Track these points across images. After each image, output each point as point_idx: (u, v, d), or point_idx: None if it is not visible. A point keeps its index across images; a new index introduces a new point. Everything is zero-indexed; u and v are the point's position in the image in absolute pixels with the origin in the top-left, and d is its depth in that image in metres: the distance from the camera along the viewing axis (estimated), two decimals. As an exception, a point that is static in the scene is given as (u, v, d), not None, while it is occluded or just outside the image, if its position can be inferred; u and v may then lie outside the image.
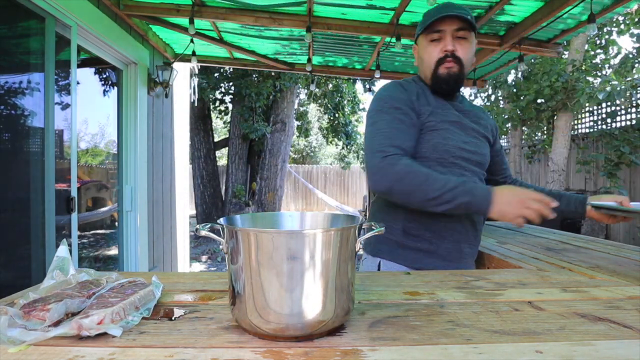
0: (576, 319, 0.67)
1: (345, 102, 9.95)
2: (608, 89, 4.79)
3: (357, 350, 0.55)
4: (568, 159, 5.70)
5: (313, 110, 14.55)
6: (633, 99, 5.04)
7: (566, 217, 1.36)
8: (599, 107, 5.85)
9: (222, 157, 14.57)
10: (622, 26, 6.25)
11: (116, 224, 3.22)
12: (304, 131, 11.52)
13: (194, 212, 8.64)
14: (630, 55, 5.80)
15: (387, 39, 3.29)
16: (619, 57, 6.19)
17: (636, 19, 6.05)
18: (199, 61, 4.20)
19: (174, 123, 4.29)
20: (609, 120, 5.60)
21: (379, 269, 1.21)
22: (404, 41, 3.16)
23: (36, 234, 2.10)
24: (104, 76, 3.08)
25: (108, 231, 3.21)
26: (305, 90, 9.81)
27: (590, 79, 5.62)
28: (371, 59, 4.01)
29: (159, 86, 3.57)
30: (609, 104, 5.41)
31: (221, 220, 0.64)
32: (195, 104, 5.48)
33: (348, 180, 15.06)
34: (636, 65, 5.70)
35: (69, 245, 2.40)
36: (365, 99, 12.01)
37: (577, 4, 2.56)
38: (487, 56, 3.59)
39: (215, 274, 0.98)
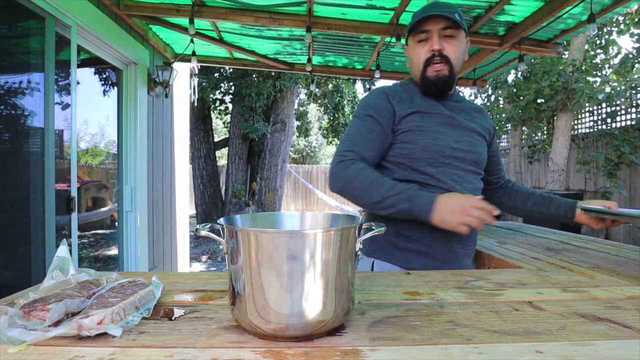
0: (576, 319, 0.67)
1: (345, 102, 9.96)
2: (608, 89, 4.79)
3: (357, 350, 0.55)
4: (568, 159, 5.70)
5: (313, 110, 14.55)
6: (633, 99, 5.04)
7: (556, 221, 1.35)
8: (599, 107, 5.85)
9: (222, 157, 14.57)
10: (622, 26, 6.25)
11: (116, 224, 3.22)
12: (304, 131, 11.52)
13: (194, 212, 8.64)
14: (630, 56, 5.80)
15: (387, 39, 3.29)
16: (619, 57, 6.19)
17: (636, 19, 6.05)
18: (199, 61, 4.20)
19: (174, 123, 4.29)
20: (609, 120, 5.60)
21: (372, 269, 1.21)
22: (404, 41, 3.16)
23: (36, 234, 2.10)
24: (104, 76, 3.08)
25: (108, 231, 3.21)
26: (305, 90, 9.81)
27: (590, 79, 5.62)
28: (371, 59, 4.01)
29: (159, 86, 3.57)
30: (608, 103, 5.41)
31: (221, 220, 0.64)
32: (195, 104, 5.48)
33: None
34: (636, 65, 5.70)
35: (69, 245, 2.40)
36: (365, 99, 11.98)
37: (577, 4, 2.56)
38: (487, 56, 3.60)
39: (215, 274, 0.98)
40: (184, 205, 4.84)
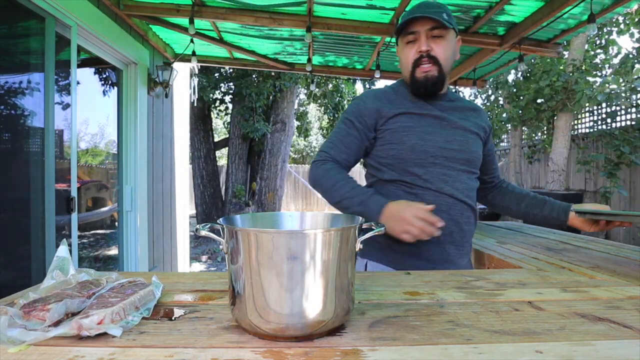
0: (576, 319, 0.67)
1: (345, 102, 9.96)
2: (607, 90, 4.79)
3: (357, 350, 0.55)
4: (568, 159, 5.70)
5: (313, 110, 14.55)
6: (633, 99, 5.04)
7: (549, 224, 1.35)
8: (599, 107, 5.85)
9: (222, 157, 14.57)
10: (622, 26, 6.25)
11: (116, 224, 3.22)
12: (304, 131, 11.52)
13: (194, 212, 8.64)
14: (630, 56, 5.80)
15: (387, 39, 3.29)
16: (619, 57, 6.19)
17: (636, 19, 6.05)
18: (199, 61, 4.20)
19: (174, 123, 4.29)
20: (609, 120, 5.60)
21: (365, 270, 1.21)
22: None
23: (36, 234, 2.10)
24: (104, 76, 3.08)
25: (108, 231, 3.21)
26: (305, 90, 9.81)
27: (590, 79, 5.62)
28: (371, 59, 4.01)
29: (159, 86, 3.57)
30: (608, 103, 5.41)
31: (221, 220, 0.64)
32: (195, 104, 5.48)
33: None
34: (636, 65, 5.70)
35: (69, 245, 2.40)
36: (365, 99, 11.98)
37: (577, 4, 2.56)
38: (487, 56, 3.59)
39: (215, 274, 0.98)
40: (184, 205, 4.84)
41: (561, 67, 5.56)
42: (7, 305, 0.63)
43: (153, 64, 3.57)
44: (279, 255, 0.56)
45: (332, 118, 10.35)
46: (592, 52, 6.35)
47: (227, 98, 8.62)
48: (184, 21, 3.09)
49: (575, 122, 6.41)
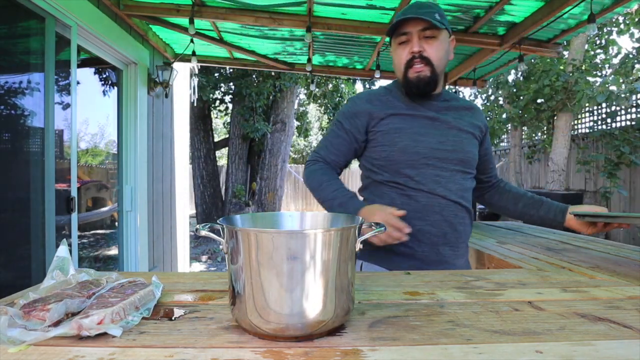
0: (576, 319, 0.67)
1: (345, 102, 9.96)
2: (607, 92, 4.79)
3: (357, 350, 0.55)
4: (568, 159, 5.70)
5: (313, 110, 14.55)
6: (633, 98, 5.04)
7: (545, 225, 1.34)
8: (599, 107, 5.85)
9: (222, 157, 14.57)
10: (622, 26, 6.25)
11: (116, 224, 3.22)
12: (304, 131, 11.52)
13: (194, 212, 8.64)
14: (631, 56, 5.80)
15: (387, 39, 3.28)
16: (619, 57, 6.19)
17: (636, 19, 6.05)
18: (199, 61, 4.20)
19: (174, 123, 4.29)
20: (609, 120, 5.60)
21: (361, 271, 1.21)
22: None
23: (36, 234, 2.10)
24: (104, 76, 3.08)
25: (108, 231, 3.21)
26: (305, 90, 9.81)
27: (591, 79, 5.62)
28: (371, 59, 4.01)
29: (159, 86, 3.57)
30: (608, 104, 5.41)
31: (221, 220, 0.64)
32: (195, 104, 5.48)
33: (348, 180, 15.06)
34: (636, 65, 5.70)
35: (69, 245, 2.40)
36: (365, 99, 12.00)
37: (577, 4, 2.56)
38: (487, 56, 3.59)
39: (215, 274, 0.98)
40: (184, 205, 4.84)
41: (561, 67, 5.56)
42: (7, 305, 0.63)
43: (153, 64, 3.57)
44: (279, 255, 0.56)
45: (332, 118, 10.36)
46: (592, 52, 6.35)
47: (227, 98, 8.62)
48: (184, 21, 3.09)
49: (575, 122, 6.41)
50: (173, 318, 0.67)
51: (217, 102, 8.64)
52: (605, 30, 6.26)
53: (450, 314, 0.69)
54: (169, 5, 2.90)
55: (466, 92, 9.03)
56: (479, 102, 8.80)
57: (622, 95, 4.81)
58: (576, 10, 2.73)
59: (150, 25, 3.37)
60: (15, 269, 2.05)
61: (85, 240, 2.78)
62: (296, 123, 10.01)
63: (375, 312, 0.70)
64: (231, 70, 7.65)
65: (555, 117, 5.78)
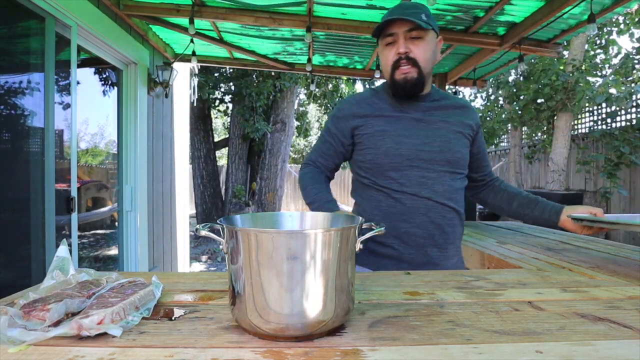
0: (576, 319, 0.67)
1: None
2: (606, 94, 4.80)
3: (357, 350, 0.55)
4: (568, 159, 5.70)
5: (313, 110, 14.55)
6: (633, 98, 5.04)
7: (540, 224, 1.33)
8: (599, 107, 5.86)
9: (222, 157, 14.57)
10: (622, 26, 6.25)
11: (116, 224, 3.22)
12: (304, 131, 11.51)
13: (194, 212, 8.64)
14: (631, 56, 5.80)
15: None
16: (619, 57, 6.19)
17: (636, 19, 6.05)
18: (199, 61, 4.20)
19: (174, 123, 4.29)
20: (609, 120, 5.60)
21: None
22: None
23: (36, 234, 2.10)
24: (104, 76, 3.08)
25: (108, 231, 3.21)
26: (305, 90, 9.81)
27: (591, 79, 5.62)
28: (371, 59, 4.01)
29: (159, 86, 3.57)
30: (608, 104, 5.41)
31: (221, 220, 0.64)
32: (195, 104, 5.48)
33: (348, 180, 15.06)
34: (637, 65, 5.70)
35: (69, 245, 2.40)
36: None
37: (577, 4, 2.56)
38: (487, 56, 3.59)
39: (215, 274, 0.98)
40: (184, 205, 4.83)
41: (561, 67, 5.56)
42: (7, 305, 0.63)
43: (153, 64, 3.57)
44: (279, 255, 0.56)
45: (332, 118, 10.34)
46: (592, 52, 6.35)
47: (227, 98, 8.62)
48: (184, 21, 3.09)
49: (575, 122, 6.41)
50: (173, 318, 0.67)
51: (217, 102, 8.64)
52: (605, 30, 6.26)
53: (450, 314, 0.69)
54: (169, 5, 2.90)
55: (466, 92, 9.04)
56: (479, 102, 8.80)
57: (622, 98, 4.81)
58: (576, 10, 2.73)
59: (150, 25, 3.37)
60: (15, 269, 2.05)
61: (85, 240, 2.78)
62: (296, 123, 10.01)
63: (375, 312, 0.70)
64: (231, 70, 7.65)
65: (555, 117, 5.78)
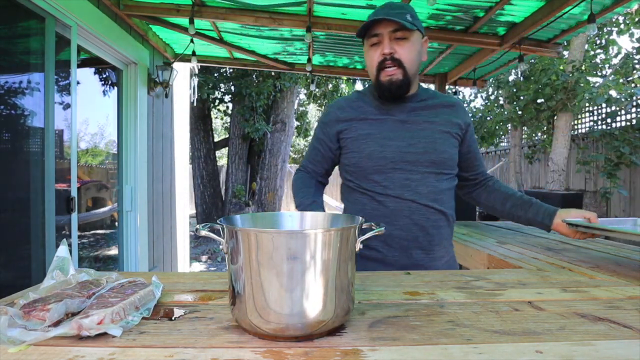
0: (576, 319, 0.67)
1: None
2: (606, 96, 4.80)
3: (357, 350, 0.55)
4: (568, 159, 5.70)
5: (313, 110, 14.56)
6: (634, 98, 5.04)
7: (532, 227, 1.30)
8: (599, 107, 5.85)
9: (222, 157, 14.57)
10: (622, 26, 6.25)
11: (116, 224, 3.22)
12: (304, 131, 11.51)
13: (194, 212, 8.64)
14: (631, 56, 5.80)
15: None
16: (619, 57, 6.19)
17: (636, 19, 6.05)
18: (199, 61, 4.20)
19: (174, 123, 4.29)
20: (609, 120, 5.60)
21: None
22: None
23: (36, 234, 2.10)
24: (104, 76, 3.08)
25: (108, 231, 3.21)
26: (305, 90, 9.81)
27: (591, 79, 5.61)
28: (371, 59, 4.00)
29: (159, 86, 3.57)
30: (608, 104, 5.41)
31: (221, 220, 0.64)
32: (195, 104, 5.48)
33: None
34: (637, 66, 5.70)
35: (69, 245, 2.40)
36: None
37: (577, 4, 2.56)
38: (487, 56, 3.59)
39: (215, 274, 0.98)
40: (184, 205, 4.83)
41: (561, 67, 5.56)
42: (7, 305, 0.63)
43: (153, 64, 3.57)
44: (279, 255, 0.56)
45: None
46: (592, 52, 6.35)
47: (227, 98, 8.63)
48: (184, 21, 3.09)
49: (575, 122, 6.40)
50: (173, 318, 0.67)
51: (217, 102, 8.64)
52: (605, 30, 6.26)
53: (450, 314, 0.69)
54: (169, 5, 2.90)
55: (466, 92, 9.04)
56: (479, 102, 8.80)
57: (622, 99, 4.81)
58: (576, 10, 2.73)
59: (150, 25, 3.37)
60: (15, 269, 2.05)
61: (85, 240, 2.78)
62: (296, 123, 10.02)
63: (375, 312, 0.70)
64: (231, 70, 7.65)
65: (555, 117, 5.78)
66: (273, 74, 7.30)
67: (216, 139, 9.22)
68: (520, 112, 6.19)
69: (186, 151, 5.05)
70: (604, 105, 5.39)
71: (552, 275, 1.00)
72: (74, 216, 2.43)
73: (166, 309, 0.71)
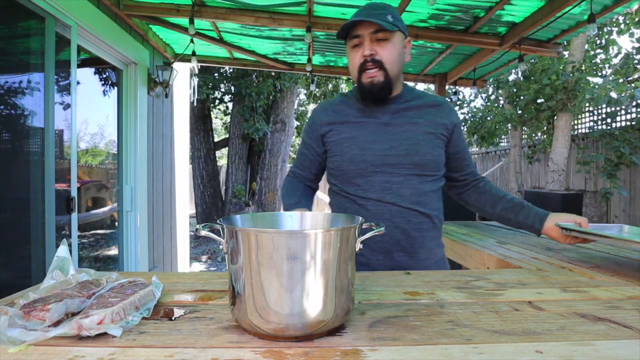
0: (576, 319, 0.67)
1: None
2: (607, 97, 4.79)
3: (357, 350, 0.55)
4: (568, 159, 5.69)
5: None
6: (634, 98, 5.04)
7: (523, 230, 1.28)
8: (599, 107, 5.85)
9: (222, 157, 14.57)
10: (622, 26, 6.25)
11: (116, 224, 3.22)
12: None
13: (194, 212, 8.64)
14: (631, 56, 5.80)
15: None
16: (619, 57, 6.19)
17: (636, 19, 6.05)
18: (199, 61, 4.20)
19: (174, 123, 4.29)
20: (609, 120, 5.60)
21: None
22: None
23: (36, 234, 2.10)
24: (104, 76, 3.08)
25: (108, 231, 3.21)
26: (305, 91, 9.81)
27: (591, 79, 5.61)
28: (371, 59, 4.00)
29: (159, 86, 3.57)
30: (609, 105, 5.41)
31: (221, 220, 0.64)
32: (195, 104, 5.49)
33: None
34: (637, 66, 5.70)
35: (69, 245, 2.40)
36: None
37: (577, 4, 2.56)
38: (487, 56, 3.59)
39: (215, 274, 0.98)
40: (184, 205, 4.83)
41: (561, 67, 5.56)
42: (7, 305, 0.63)
43: (153, 64, 3.57)
44: (279, 255, 0.56)
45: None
46: (592, 52, 6.35)
47: (227, 98, 8.63)
48: (184, 21, 3.09)
49: (575, 122, 6.40)
50: (173, 318, 0.67)
51: (217, 102, 8.64)
52: (605, 30, 6.26)
53: (450, 314, 0.69)
54: (169, 5, 2.90)
55: (466, 92, 9.04)
56: (478, 102, 8.80)
57: (623, 100, 4.81)
58: (576, 10, 2.73)
59: (150, 25, 3.37)
60: (15, 269, 2.05)
61: (85, 240, 2.78)
62: (296, 123, 10.01)
63: (375, 312, 0.70)
64: (231, 70, 7.65)
65: (555, 117, 5.78)
66: (273, 74, 7.30)
67: (216, 139, 9.22)
68: (520, 112, 6.19)
69: (186, 151, 5.05)
70: (604, 105, 5.39)
71: (552, 275, 1.00)
72: (74, 216, 2.43)
73: (166, 309, 0.71)
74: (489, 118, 7.43)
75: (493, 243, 1.66)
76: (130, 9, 2.86)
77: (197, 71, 6.00)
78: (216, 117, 11.18)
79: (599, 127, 5.80)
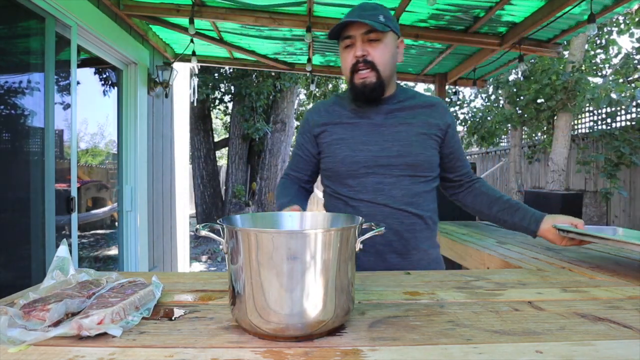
0: (576, 319, 0.67)
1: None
2: (608, 98, 4.80)
3: (357, 350, 0.55)
4: (568, 159, 5.69)
5: (313, 110, 14.53)
6: (634, 98, 5.04)
7: (518, 232, 1.27)
8: (599, 107, 5.86)
9: (222, 157, 14.57)
10: (622, 26, 6.25)
11: (116, 224, 3.22)
12: (304, 131, 11.48)
13: (194, 212, 8.64)
14: (631, 56, 5.80)
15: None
16: (619, 57, 6.19)
17: (636, 19, 6.05)
18: (199, 61, 4.20)
19: (174, 123, 4.29)
20: (609, 120, 5.60)
21: None
22: (405, 41, 3.16)
23: (36, 234, 2.10)
24: (104, 76, 3.08)
25: (108, 231, 3.21)
26: (305, 91, 9.81)
27: (591, 79, 5.61)
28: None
29: (159, 86, 3.57)
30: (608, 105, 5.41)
31: (221, 220, 0.64)
32: (195, 104, 5.49)
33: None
34: (638, 66, 5.70)
35: (69, 245, 2.40)
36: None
37: (577, 4, 2.56)
38: (487, 56, 3.59)
39: (215, 274, 0.98)
40: (184, 205, 4.83)
41: (561, 67, 5.56)
42: (7, 305, 0.63)
43: (153, 64, 3.57)
44: (279, 255, 0.56)
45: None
46: (592, 52, 6.35)
47: (227, 98, 8.63)
48: (184, 21, 3.09)
49: (575, 122, 6.41)
50: (173, 318, 0.67)
51: (217, 102, 8.64)
52: (605, 30, 6.26)
53: (450, 314, 0.69)
54: (169, 5, 2.90)
55: (466, 92, 9.04)
56: (478, 102, 8.80)
57: (623, 101, 4.81)
58: (576, 10, 2.73)
59: (150, 25, 3.37)
60: (15, 269, 2.05)
61: (85, 240, 2.78)
62: (296, 123, 10.01)
63: (375, 312, 0.70)
64: (231, 70, 7.65)
65: (555, 117, 5.78)
66: (273, 74, 7.30)
67: (216, 139, 9.22)
68: (520, 112, 6.19)
69: (186, 151, 5.05)
70: (604, 106, 5.39)
71: (552, 275, 1.00)
72: (74, 216, 2.43)
73: (166, 309, 0.71)
74: (489, 118, 7.43)
75: (493, 243, 1.66)
76: (130, 9, 2.86)
77: (197, 71, 6.00)
78: (216, 117, 11.19)
79: (599, 127, 5.80)
